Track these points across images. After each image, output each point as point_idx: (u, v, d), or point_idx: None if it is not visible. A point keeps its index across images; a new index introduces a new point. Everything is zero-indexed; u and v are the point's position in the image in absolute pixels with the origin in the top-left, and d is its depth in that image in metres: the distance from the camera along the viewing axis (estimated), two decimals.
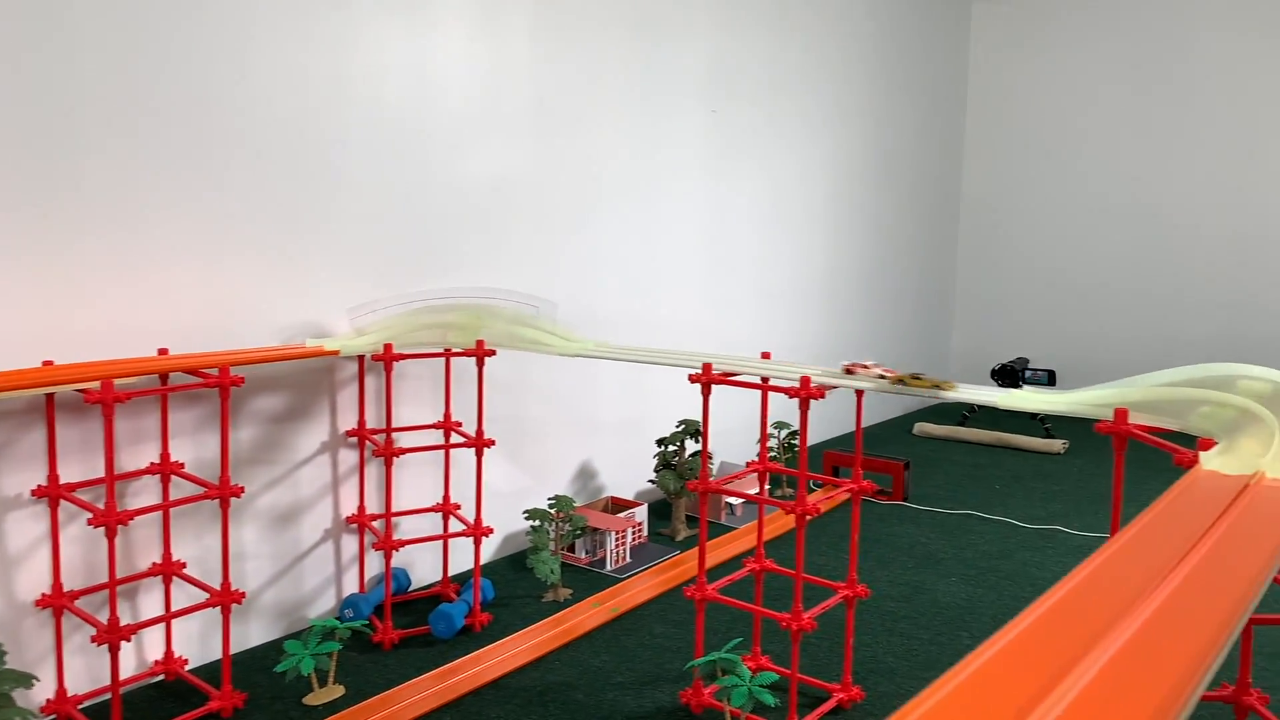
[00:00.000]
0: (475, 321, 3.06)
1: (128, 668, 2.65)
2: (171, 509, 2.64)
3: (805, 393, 2.36)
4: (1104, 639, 0.87)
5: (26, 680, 2.32)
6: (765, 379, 2.60)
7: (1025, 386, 5.02)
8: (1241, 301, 5.89)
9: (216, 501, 2.61)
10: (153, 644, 2.72)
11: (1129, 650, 0.85)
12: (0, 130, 2.32)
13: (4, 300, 2.36)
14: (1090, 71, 6.29)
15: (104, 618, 2.39)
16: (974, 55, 6.76)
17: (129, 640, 2.37)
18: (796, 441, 4.94)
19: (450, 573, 3.32)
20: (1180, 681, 0.79)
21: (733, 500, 4.20)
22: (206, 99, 2.69)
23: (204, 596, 2.58)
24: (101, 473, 2.48)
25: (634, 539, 3.79)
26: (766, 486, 4.39)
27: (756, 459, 2.78)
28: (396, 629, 2.99)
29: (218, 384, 2.46)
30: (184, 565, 2.67)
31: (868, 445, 5.45)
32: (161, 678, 2.71)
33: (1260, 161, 5.77)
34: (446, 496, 3.19)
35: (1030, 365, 6.08)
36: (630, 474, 4.24)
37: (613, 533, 3.61)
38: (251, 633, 2.94)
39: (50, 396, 2.38)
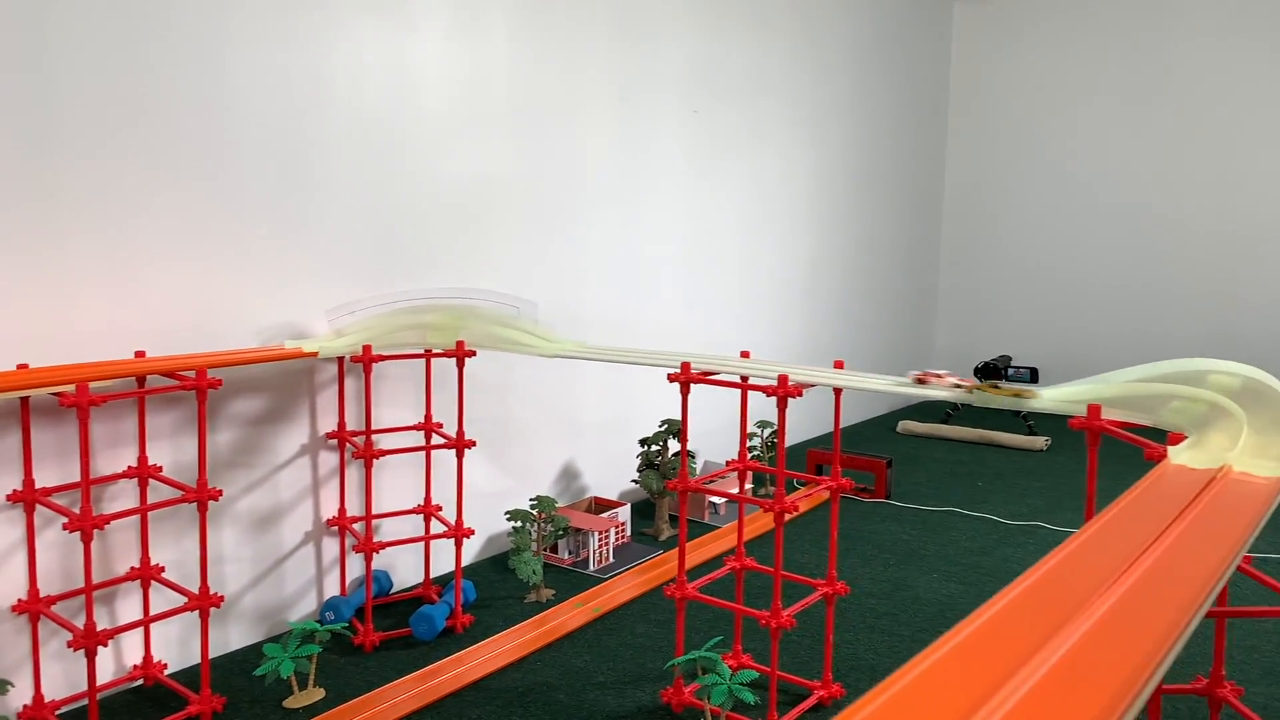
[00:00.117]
0: (455, 322, 3.05)
1: (106, 672, 2.64)
2: (150, 513, 2.63)
3: (783, 391, 2.37)
4: (1062, 631, 0.87)
5: (2, 686, 2.31)
6: (744, 378, 2.60)
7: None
8: (1225, 299, 5.93)
9: (195, 505, 2.59)
10: (132, 648, 2.71)
11: (1085, 643, 0.86)
12: None
13: None
14: (1073, 70, 6.33)
15: (81, 623, 2.38)
16: (956, 54, 6.79)
17: (106, 645, 2.35)
18: None
19: (432, 575, 3.31)
20: (1134, 673, 0.79)
21: (716, 499, 4.20)
22: (184, 100, 2.68)
23: (183, 600, 2.57)
24: (79, 476, 2.46)
25: (617, 539, 3.79)
26: (749, 485, 4.42)
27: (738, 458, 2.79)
28: (378, 631, 2.98)
29: (195, 386, 2.45)
30: (162, 569, 2.66)
31: (852, 443, 5.47)
32: (141, 682, 2.70)
33: (1243, 159, 5.81)
34: (428, 498, 3.18)
35: (1013, 363, 6.12)
36: (614, 474, 4.24)
37: (595, 533, 3.61)
38: (232, 636, 2.93)
39: (25, 400, 2.37)
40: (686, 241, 4.61)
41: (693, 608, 3.18)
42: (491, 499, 3.66)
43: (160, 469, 2.63)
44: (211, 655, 2.81)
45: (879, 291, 6.27)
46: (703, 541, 3.83)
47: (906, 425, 5.88)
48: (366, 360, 2.91)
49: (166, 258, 2.69)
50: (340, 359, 3.06)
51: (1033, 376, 5.85)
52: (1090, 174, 6.32)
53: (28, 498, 2.38)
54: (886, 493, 4.51)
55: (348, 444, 3.09)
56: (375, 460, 3.05)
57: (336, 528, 3.16)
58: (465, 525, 3.10)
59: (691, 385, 2.54)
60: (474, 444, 3.06)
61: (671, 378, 2.54)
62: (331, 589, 3.19)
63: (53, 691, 2.50)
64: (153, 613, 2.62)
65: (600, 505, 4.01)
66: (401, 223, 3.30)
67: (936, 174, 6.82)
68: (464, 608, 3.16)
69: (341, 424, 3.07)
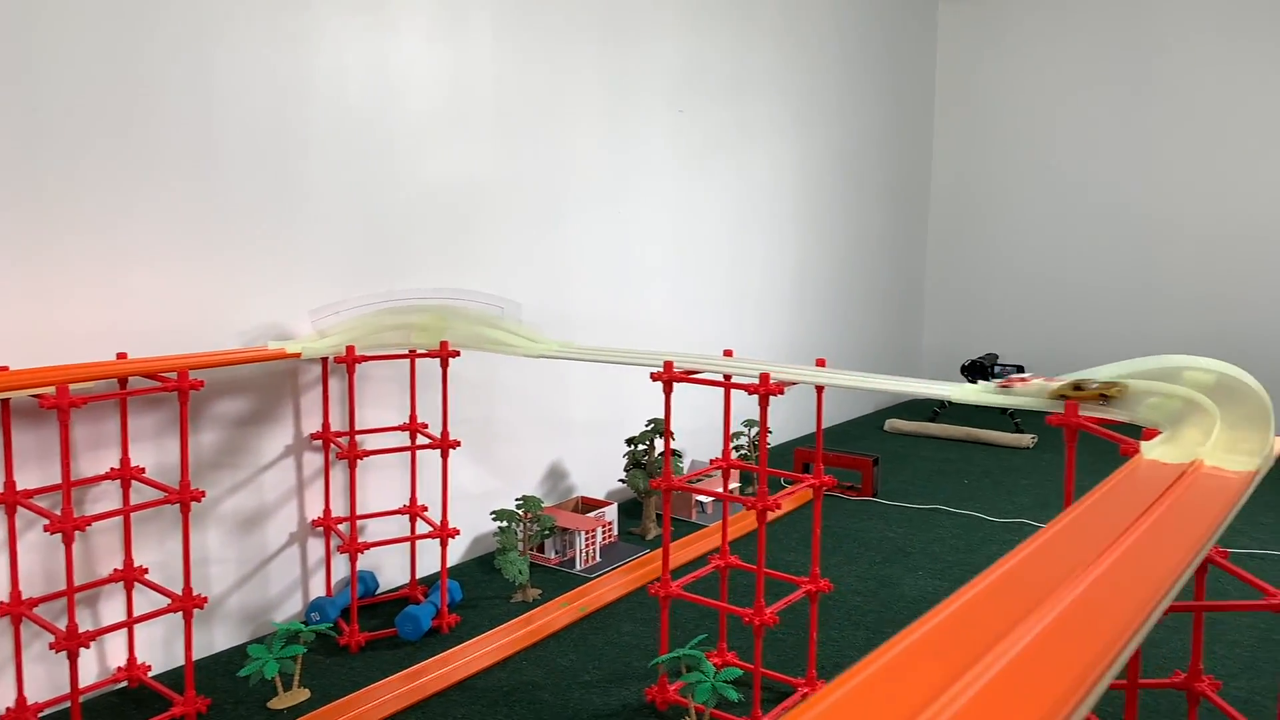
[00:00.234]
0: (439, 322, 3.06)
1: (90, 675, 2.64)
2: (133, 515, 2.63)
3: (765, 389, 2.38)
4: (1023, 624, 0.88)
5: None
6: (727, 377, 2.61)
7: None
8: (1211, 296, 5.96)
9: (178, 506, 2.59)
10: (116, 650, 2.70)
11: (1045, 635, 0.87)
12: None
13: None
14: (1059, 70, 6.36)
15: (64, 624, 2.37)
16: (942, 54, 6.81)
17: (88, 647, 2.35)
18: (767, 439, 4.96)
19: (419, 575, 3.31)
20: (1091, 664, 0.80)
21: (703, 499, 4.21)
22: (168, 101, 2.68)
23: (167, 602, 2.57)
24: (60, 478, 2.46)
25: (604, 538, 3.80)
26: (736, 484, 4.43)
27: (734, 458, 2.79)
28: (363, 632, 2.98)
29: (176, 388, 2.45)
30: (146, 571, 2.66)
31: (840, 442, 5.48)
32: (125, 684, 2.69)
33: (1231, 157, 5.85)
34: (413, 499, 3.18)
35: (999, 361, 6.14)
36: (601, 474, 4.25)
37: (582, 532, 3.62)
38: (217, 638, 2.93)
39: (5, 402, 2.36)
40: (674, 241, 4.62)
41: (679, 606, 3.19)
42: (478, 499, 3.67)
43: (143, 470, 2.63)
44: (196, 657, 2.81)
45: (866, 290, 6.29)
46: (690, 540, 3.83)
47: (894, 424, 5.90)
48: (350, 361, 2.91)
49: (149, 259, 2.69)
50: (324, 360, 3.06)
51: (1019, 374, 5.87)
52: (1077, 173, 6.35)
53: (8, 500, 2.37)
54: (873, 491, 4.53)
55: (332, 445, 3.09)
56: (360, 461, 3.04)
57: (322, 529, 3.16)
58: (451, 525, 3.10)
59: (677, 384, 2.55)
60: (458, 444, 3.07)
61: (654, 377, 2.55)
62: (317, 590, 3.19)
63: (35, 694, 2.50)
64: (136, 614, 2.62)
65: (587, 505, 4.01)
66: (386, 223, 3.30)
67: (923, 173, 6.85)
68: (450, 608, 3.16)
69: (326, 425, 3.07)
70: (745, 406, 4.49)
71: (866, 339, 6.33)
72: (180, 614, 2.58)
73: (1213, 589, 3.28)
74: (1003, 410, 5.90)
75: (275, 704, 2.60)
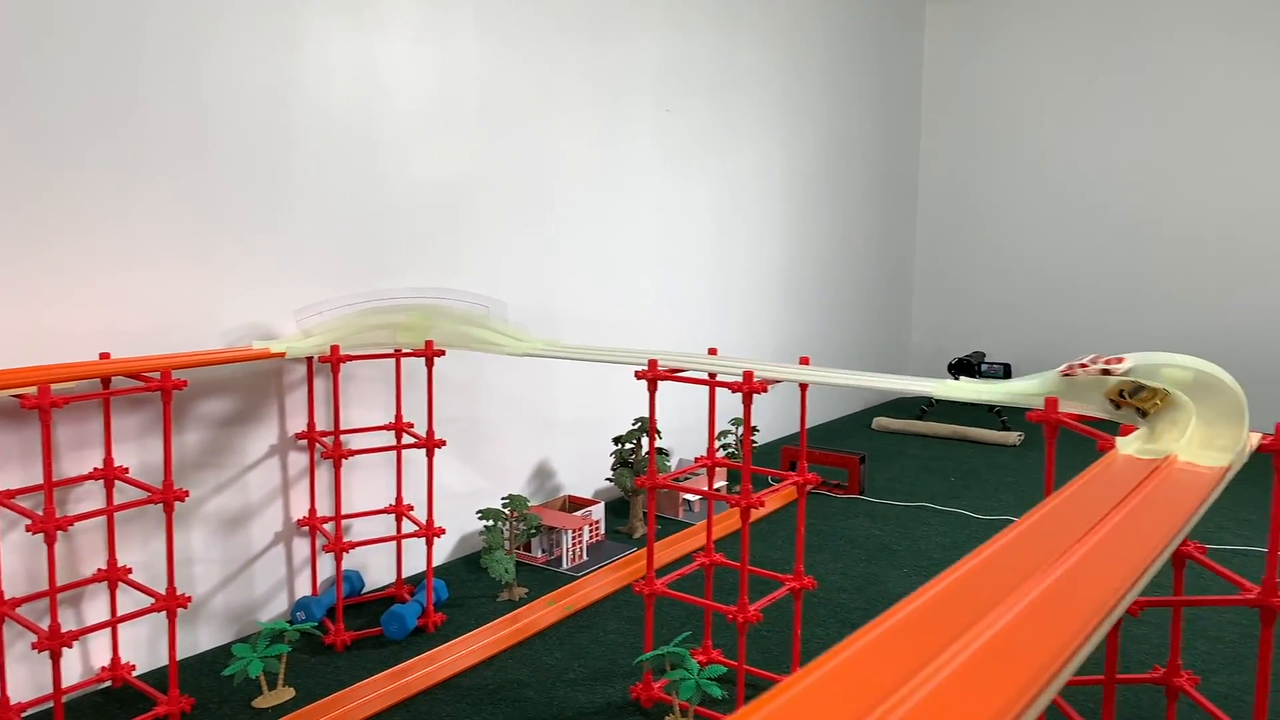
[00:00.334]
0: (424, 322, 3.06)
1: (74, 674, 2.63)
2: (118, 515, 2.63)
3: (748, 387, 2.39)
4: (986, 617, 0.89)
5: None
6: (712, 375, 2.62)
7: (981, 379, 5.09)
8: (1198, 294, 5.99)
9: (162, 506, 2.59)
10: (100, 650, 2.70)
11: (1009, 629, 0.88)
12: None
13: None
14: (1047, 68, 6.39)
15: (47, 624, 2.37)
16: (929, 52, 6.84)
17: (70, 646, 2.35)
18: (754, 437, 4.97)
19: (405, 574, 3.31)
20: (1052, 657, 0.81)
21: (690, 497, 4.22)
22: (152, 101, 2.67)
23: (151, 602, 2.56)
24: (43, 479, 2.45)
25: (591, 537, 3.80)
26: (724, 483, 4.43)
27: (717, 455, 2.80)
28: (349, 631, 2.98)
29: (159, 387, 2.45)
30: (130, 571, 2.65)
31: (828, 440, 5.50)
32: (109, 684, 2.69)
33: (1218, 155, 5.87)
34: (399, 498, 3.19)
35: (987, 359, 6.16)
36: (588, 473, 4.26)
37: (568, 531, 3.62)
38: (202, 638, 2.93)
39: None
40: (661, 240, 4.62)
41: (667, 605, 3.20)
42: (465, 498, 3.67)
43: (127, 470, 2.62)
44: (181, 657, 2.81)
45: (854, 289, 6.31)
46: (677, 538, 3.84)
47: (881, 422, 5.92)
48: (335, 360, 2.91)
49: (133, 259, 2.68)
50: (309, 359, 3.06)
51: (1006, 372, 5.90)
52: (1064, 171, 6.38)
53: None
54: (860, 489, 4.54)
55: (317, 444, 3.09)
56: (346, 460, 3.04)
57: (307, 528, 3.16)
58: (437, 525, 3.10)
59: (664, 383, 2.55)
60: (444, 443, 3.07)
61: (639, 375, 2.55)
62: (303, 589, 3.19)
63: (19, 693, 2.49)
64: (120, 614, 2.61)
65: (574, 504, 4.02)
66: (371, 223, 3.30)
67: (911, 171, 6.87)
68: (436, 607, 3.16)
69: (311, 424, 3.07)
70: (732, 405, 4.50)
71: (854, 337, 6.34)
72: (164, 613, 2.58)
73: (1197, 586, 3.31)
74: (989, 408, 5.93)
75: (260, 703, 2.60)
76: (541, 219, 3.96)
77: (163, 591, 2.53)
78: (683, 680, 2.41)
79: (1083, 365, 2.00)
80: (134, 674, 2.71)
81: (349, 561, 3.26)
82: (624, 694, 2.68)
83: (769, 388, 2.42)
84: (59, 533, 2.54)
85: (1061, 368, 2.05)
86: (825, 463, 4.58)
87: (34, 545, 2.51)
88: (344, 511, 3.13)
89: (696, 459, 2.91)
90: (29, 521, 2.27)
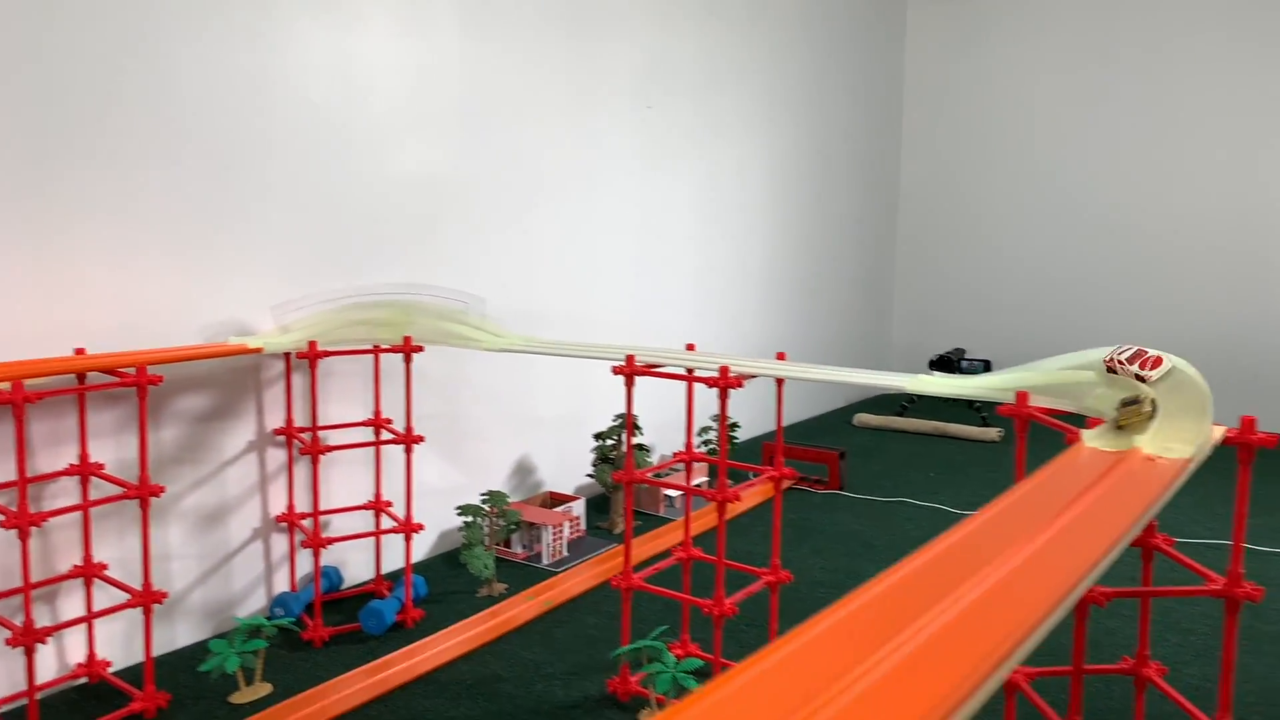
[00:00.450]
0: (402, 318, 3.06)
1: (49, 671, 2.62)
2: (93, 511, 2.62)
3: (724, 382, 2.40)
4: (936, 607, 0.91)
5: None
6: (690, 370, 2.63)
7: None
8: (1178, 293, 6.05)
9: (138, 502, 2.58)
10: (75, 647, 2.69)
11: (959, 619, 0.89)
12: None
13: None
14: (1028, 66, 6.43)
15: (21, 621, 2.36)
16: (910, 50, 6.87)
17: (44, 642, 2.34)
18: (735, 433, 4.99)
19: (384, 570, 3.31)
20: (998, 645, 0.83)
21: (671, 492, 4.24)
22: (127, 97, 2.66)
23: (127, 598, 2.56)
24: (17, 475, 2.44)
25: (571, 533, 3.81)
26: (705, 479, 4.45)
27: (699, 451, 2.81)
28: (328, 627, 2.98)
29: (135, 383, 2.44)
30: (105, 567, 2.65)
31: (808, 436, 5.52)
32: (84, 680, 2.68)
33: (1200, 153, 5.92)
34: (378, 494, 3.18)
35: (967, 355, 6.21)
36: (569, 469, 4.26)
37: (548, 527, 3.63)
38: (179, 634, 2.92)
39: None
40: (641, 237, 4.63)
41: (646, 599, 3.21)
42: (445, 495, 3.67)
43: (102, 466, 2.62)
44: (158, 653, 2.80)
45: (835, 286, 6.33)
46: (657, 534, 3.85)
47: (862, 418, 5.95)
48: (312, 356, 2.90)
49: (109, 254, 2.67)
50: (287, 355, 3.05)
51: (986, 368, 5.94)
52: (1046, 169, 6.42)
53: None
54: (840, 484, 4.57)
55: (295, 440, 3.09)
56: (325, 456, 3.04)
57: (285, 524, 3.15)
58: (416, 521, 3.10)
59: (645, 379, 2.57)
60: (422, 439, 3.07)
61: (616, 370, 2.57)
62: (281, 585, 3.18)
63: None
64: (96, 610, 2.60)
65: (555, 500, 4.03)
66: (350, 219, 3.30)
67: (892, 168, 6.90)
68: (415, 602, 3.16)
69: (289, 420, 3.06)
70: (713, 401, 4.51)
71: (836, 334, 6.37)
72: (140, 609, 2.57)
73: (1169, 579, 3.34)
74: (969, 404, 5.97)
75: (237, 698, 2.60)
76: (521, 216, 3.96)
77: (139, 588, 2.53)
78: (659, 674, 2.43)
79: (1120, 362, 1.89)
80: (110, 670, 2.70)
81: (327, 557, 3.26)
82: (601, 688, 2.70)
83: (745, 383, 2.44)
84: (33, 529, 2.53)
85: (1106, 360, 1.93)
86: (805, 458, 4.60)
87: (8, 541, 2.50)
88: (322, 507, 3.12)
89: (675, 454, 2.92)
90: (3, 517, 2.26)
